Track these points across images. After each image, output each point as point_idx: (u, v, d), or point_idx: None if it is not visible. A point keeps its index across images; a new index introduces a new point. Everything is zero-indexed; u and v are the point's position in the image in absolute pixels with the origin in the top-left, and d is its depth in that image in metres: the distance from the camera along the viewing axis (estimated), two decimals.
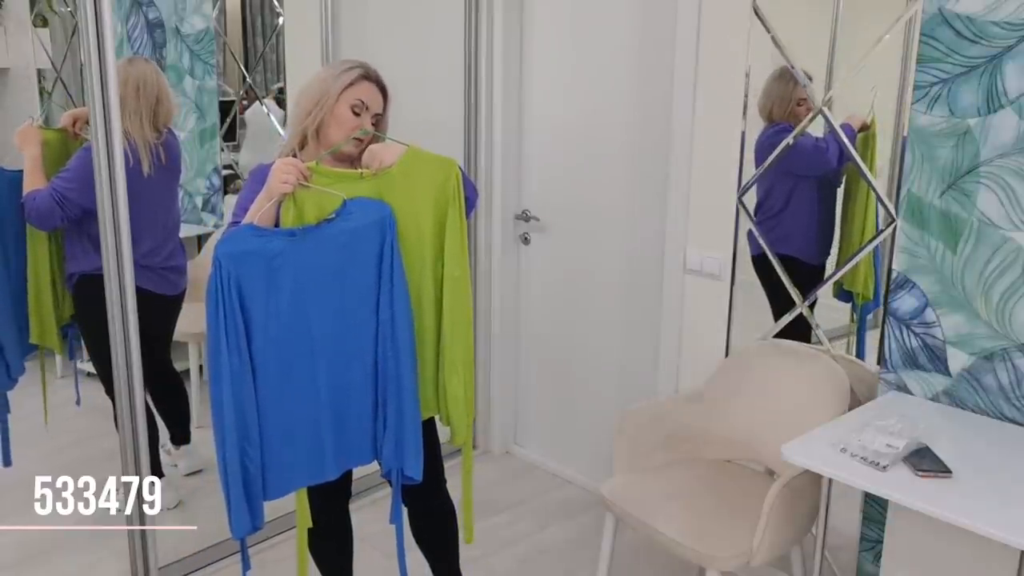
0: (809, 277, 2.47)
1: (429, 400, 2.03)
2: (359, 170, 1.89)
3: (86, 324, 2.75)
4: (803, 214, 2.52)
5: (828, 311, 2.43)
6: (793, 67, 2.34)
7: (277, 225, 1.84)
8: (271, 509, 2.89)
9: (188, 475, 3.13)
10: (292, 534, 2.80)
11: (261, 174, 1.88)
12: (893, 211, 2.17)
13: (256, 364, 1.79)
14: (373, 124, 2.00)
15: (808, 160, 2.42)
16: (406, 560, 2.07)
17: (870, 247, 2.29)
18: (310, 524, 2.01)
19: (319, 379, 1.86)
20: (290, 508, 2.87)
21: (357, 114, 1.97)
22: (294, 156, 1.98)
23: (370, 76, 2.01)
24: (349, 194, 1.84)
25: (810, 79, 2.37)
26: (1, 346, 2.63)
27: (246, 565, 2.01)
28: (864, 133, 2.30)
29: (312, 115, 1.96)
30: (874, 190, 2.25)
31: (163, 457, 3.14)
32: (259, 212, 1.80)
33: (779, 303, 2.51)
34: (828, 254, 2.48)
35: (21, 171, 2.56)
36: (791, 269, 2.46)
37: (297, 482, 1.95)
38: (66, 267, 2.69)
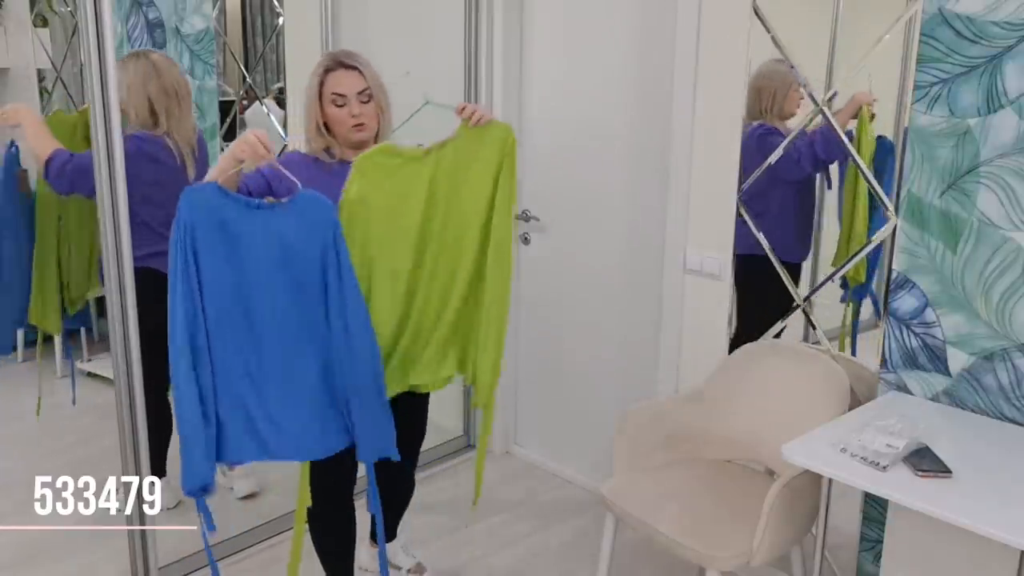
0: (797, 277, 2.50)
1: (450, 362, 2.09)
2: (424, 148, 2.02)
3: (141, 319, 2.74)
4: (780, 214, 2.52)
5: (826, 311, 2.43)
6: (793, 67, 2.34)
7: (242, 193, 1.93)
8: (270, 509, 2.91)
9: (242, 498, 3.04)
10: (290, 534, 2.80)
11: (290, 162, 1.99)
12: (892, 208, 2.16)
13: (208, 316, 1.84)
14: (364, 101, 2.04)
15: (785, 166, 2.42)
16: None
17: (871, 246, 2.28)
18: (309, 503, 2.02)
19: (253, 358, 1.89)
20: (289, 508, 2.89)
21: (341, 106, 2.03)
22: (327, 152, 2.09)
23: (336, 64, 2.05)
24: (410, 173, 1.97)
25: (794, 67, 2.38)
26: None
27: (207, 520, 1.96)
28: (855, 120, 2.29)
29: (311, 121, 2.06)
30: (868, 181, 2.24)
31: (219, 479, 3.11)
32: (223, 174, 1.86)
33: (755, 303, 2.54)
34: (807, 253, 2.50)
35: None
36: (767, 269, 2.47)
37: (248, 452, 1.93)
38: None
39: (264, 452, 1.92)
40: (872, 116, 2.27)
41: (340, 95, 2.03)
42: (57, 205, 2.93)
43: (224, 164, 1.88)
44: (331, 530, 2.27)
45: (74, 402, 3.24)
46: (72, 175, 2.50)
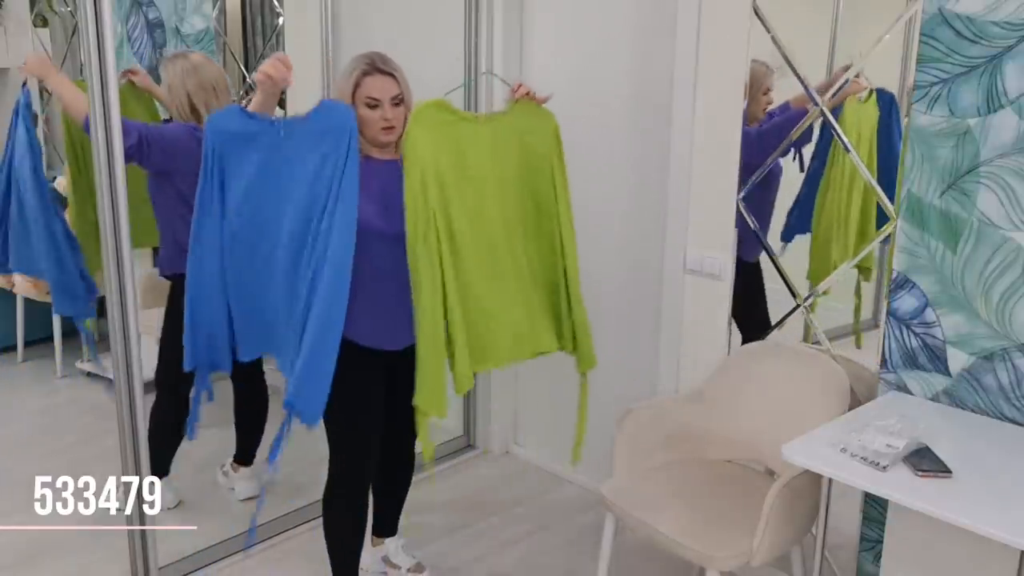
0: (749, 274, 2.55)
1: (542, 336, 2.22)
2: (475, 114, 2.15)
3: (179, 321, 2.76)
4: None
5: (824, 311, 2.43)
6: (793, 67, 2.34)
7: None
8: (271, 509, 2.91)
9: (244, 500, 3.05)
10: (293, 533, 2.81)
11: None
12: (888, 206, 2.16)
13: (230, 231, 2.00)
14: (396, 104, 2.11)
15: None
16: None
17: (875, 243, 2.28)
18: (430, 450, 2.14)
19: (277, 265, 2.02)
20: (290, 508, 2.89)
21: (374, 108, 2.09)
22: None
23: (373, 69, 2.11)
24: (470, 135, 2.05)
25: (772, 70, 2.40)
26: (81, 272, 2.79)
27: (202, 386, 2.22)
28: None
29: None
30: (865, 176, 2.24)
31: (219, 479, 3.13)
32: (258, 103, 2.01)
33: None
34: (761, 250, 2.52)
35: None
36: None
37: (260, 347, 2.14)
38: (160, 267, 2.77)
39: (267, 346, 2.11)
40: (870, 93, 2.27)
41: (375, 99, 2.09)
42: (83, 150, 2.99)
43: (258, 95, 2.01)
44: (346, 517, 2.30)
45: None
46: (146, 150, 2.51)
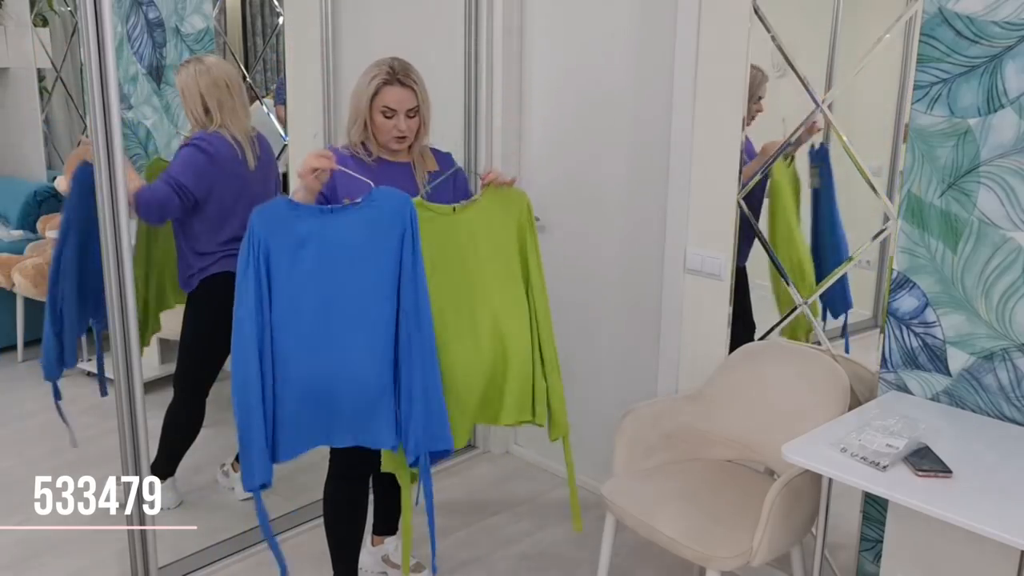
0: (738, 278, 2.58)
1: (524, 405, 2.22)
2: (452, 206, 2.15)
3: (204, 324, 2.77)
4: None
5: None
6: (793, 67, 2.34)
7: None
8: (271, 510, 2.90)
9: (244, 500, 3.02)
10: (292, 534, 2.81)
11: (340, 158, 2.10)
12: (889, 205, 2.16)
13: (275, 326, 1.93)
14: (411, 116, 2.14)
15: None
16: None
17: (877, 239, 2.28)
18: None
19: (335, 350, 1.96)
20: (290, 508, 2.89)
21: (389, 118, 2.13)
22: (363, 148, 2.18)
23: (393, 79, 2.13)
24: (445, 226, 2.08)
25: (766, 77, 2.41)
26: (61, 329, 2.65)
27: (263, 518, 2.07)
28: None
29: (356, 124, 2.16)
30: (864, 175, 2.25)
31: (219, 479, 3.13)
32: (302, 192, 2.01)
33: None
34: (748, 255, 2.55)
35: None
36: None
37: (305, 444, 2.04)
38: (183, 269, 2.75)
39: (327, 439, 2.04)
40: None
41: (391, 109, 2.13)
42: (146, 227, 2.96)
43: (299, 187, 2.01)
44: (347, 512, 2.32)
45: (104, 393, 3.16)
46: (153, 212, 2.57)
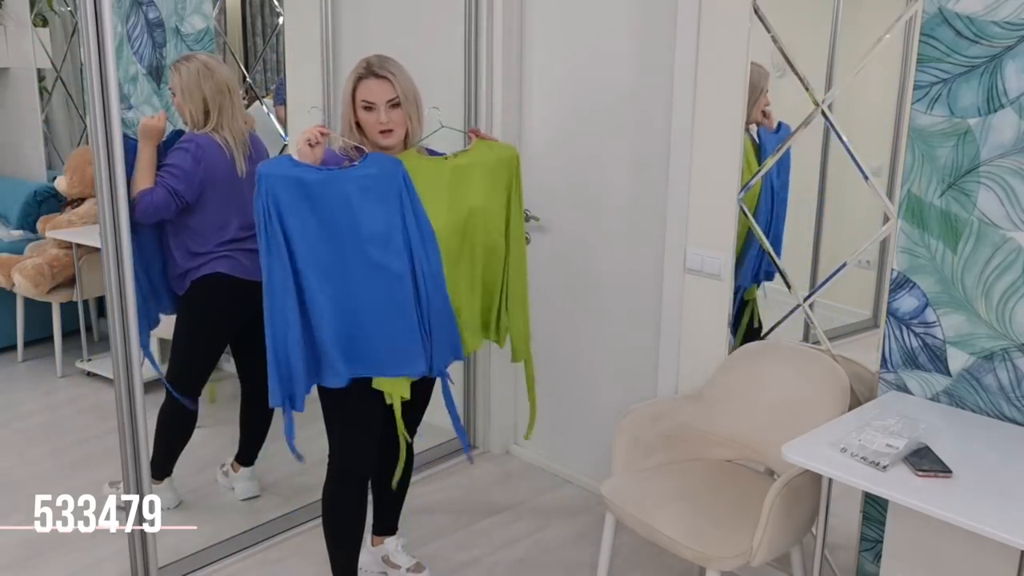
0: None
1: (482, 332, 2.42)
2: (446, 154, 2.25)
3: (196, 325, 2.78)
4: None
5: (826, 310, 2.43)
6: (794, 67, 2.34)
7: None
8: (271, 510, 2.91)
9: (244, 500, 3.04)
10: (292, 534, 2.81)
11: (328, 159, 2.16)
12: (889, 206, 2.16)
13: (299, 268, 2.05)
14: (393, 108, 2.15)
15: None
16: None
17: (877, 239, 2.28)
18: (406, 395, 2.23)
19: (356, 292, 2.09)
20: (289, 508, 2.89)
21: (371, 111, 2.14)
22: (357, 152, 2.18)
23: (368, 73, 2.14)
24: (435, 173, 2.18)
25: (768, 73, 2.41)
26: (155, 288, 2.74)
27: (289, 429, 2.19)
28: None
29: (344, 120, 2.18)
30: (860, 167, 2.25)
31: (219, 479, 3.12)
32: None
33: None
34: None
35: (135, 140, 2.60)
36: None
37: (349, 372, 2.16)
38: (172, 269, 2.73)
39: (364, 368, 2.15)
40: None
41: (370, 103, 2.13)
42: None
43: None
44: (346, 511, 2.31)
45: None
46: (149, 214, 2.57)
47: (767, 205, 2.50)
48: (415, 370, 2.18)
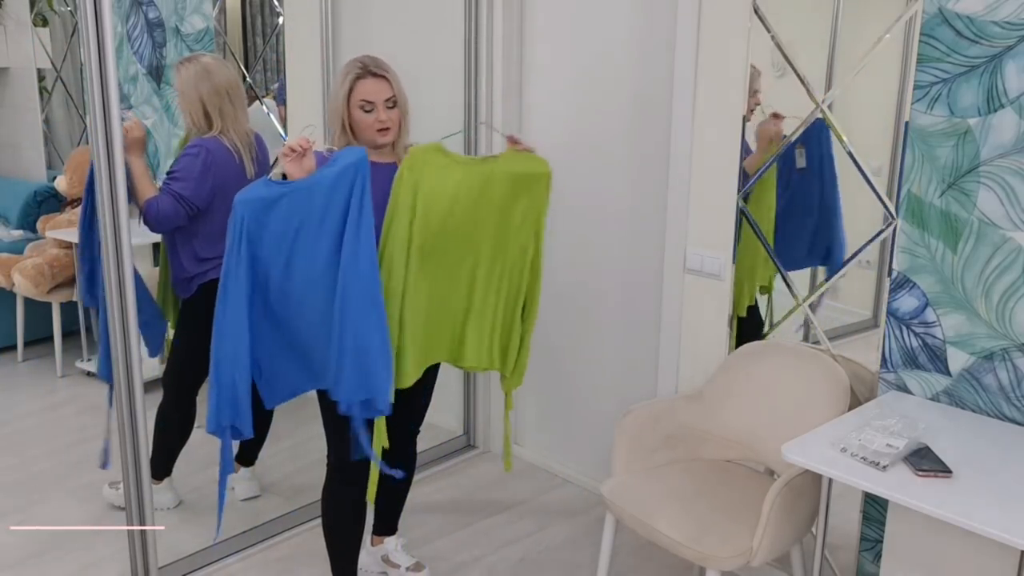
0: None
1: (494, 355, 2.36)
2: (472, 157, 2.21)
3: (199, 328, 2.74)
4: None
5: (826, 310, 2.43)
6: (794, 67, 2.34)
7: None
8: (271, 510, 2.91)
9: (244, 500, 3.05)
10: (290, 534, 2.82)
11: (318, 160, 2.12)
12: (893, 210, 2.17)
13: (268, 290, 2.03)
14: (390, 107, 2.15)
15: None
16: None
17: (876, 239, 2.29)
18: (386, 444, 2.19)
19: (314, 309, 2.04)
20: (289, 508, 2.89)
21: (368, 111, 2.13)
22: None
23: (366, 72, 2.14)
24: (459, 175, 2.13)
25: (758, 72, 2.41)
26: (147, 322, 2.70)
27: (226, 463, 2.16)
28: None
29: (336, 121, 2.17)
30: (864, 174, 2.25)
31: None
32: (275, 175, 2.05)
33: None
34: None
35: None
36: None
37: (289, 390, 2.15)
38: (179, 272, 2.72)
39: (310, 383, 2.14)
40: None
41: (369, 102, 2.12)
42: None
43: (277, 169, 2.06)
44: (346, 511, 2.32)
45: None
46: (159, 223, 2.58)
47: (786, 201, 2.48)
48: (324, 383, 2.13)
